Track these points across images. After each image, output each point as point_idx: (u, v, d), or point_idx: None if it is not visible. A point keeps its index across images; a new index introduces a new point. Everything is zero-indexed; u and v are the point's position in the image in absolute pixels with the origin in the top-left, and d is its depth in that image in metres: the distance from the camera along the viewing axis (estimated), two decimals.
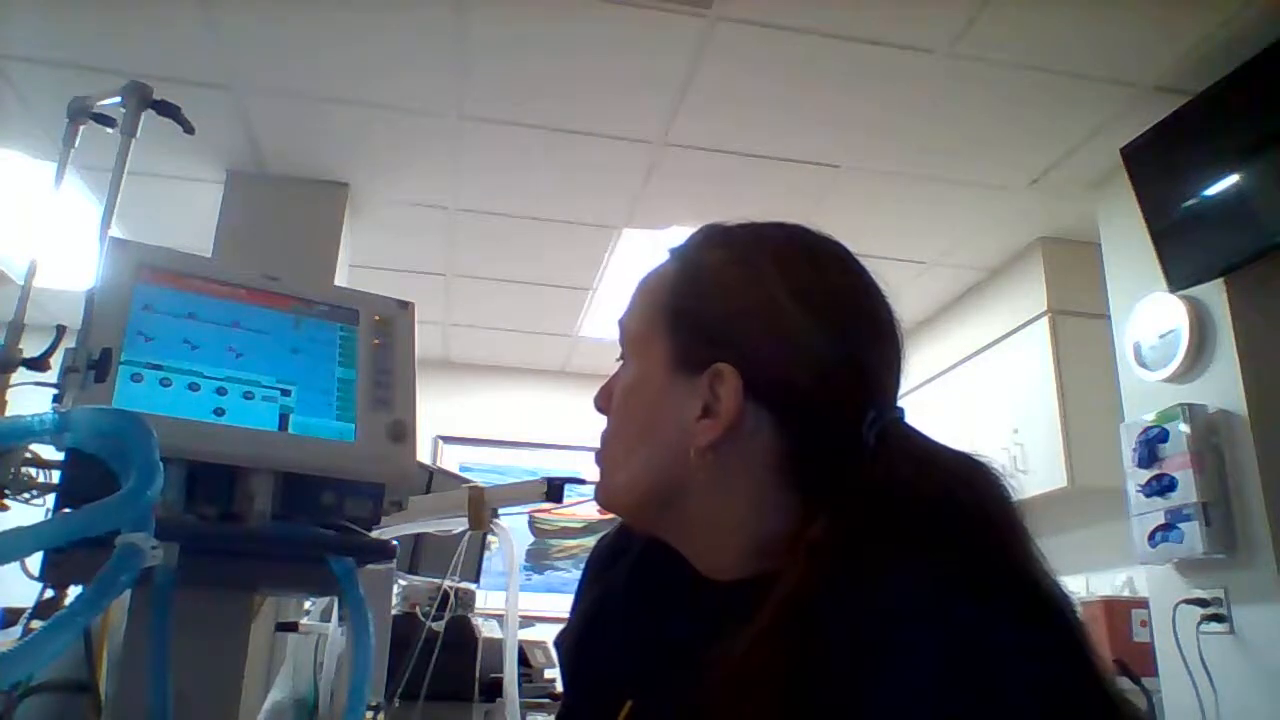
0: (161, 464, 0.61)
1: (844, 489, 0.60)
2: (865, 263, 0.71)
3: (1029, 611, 0.54)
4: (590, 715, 0.71)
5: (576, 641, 0.77)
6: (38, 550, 0.56)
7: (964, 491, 0.59)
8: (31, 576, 0.81)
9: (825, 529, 0.59)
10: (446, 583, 2.15)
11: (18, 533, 0.53)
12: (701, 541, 0.69)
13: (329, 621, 1.39)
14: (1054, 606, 0.55)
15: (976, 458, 0.62)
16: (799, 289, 0.66)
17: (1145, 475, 2.60)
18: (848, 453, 0.62)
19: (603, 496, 0.73)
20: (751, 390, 0.64)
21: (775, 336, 0.65)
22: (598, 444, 0.74)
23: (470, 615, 2.37)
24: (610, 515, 0.78)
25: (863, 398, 0.64)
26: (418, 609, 2.18)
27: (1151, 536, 2.57)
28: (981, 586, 0.54)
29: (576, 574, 0.82)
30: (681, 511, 0.68)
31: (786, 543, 0.61)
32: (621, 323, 0.75)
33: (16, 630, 1.21)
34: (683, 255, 0.73)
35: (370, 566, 0.94)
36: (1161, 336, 2.71)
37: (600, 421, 0.75)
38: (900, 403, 0.68)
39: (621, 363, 0.74)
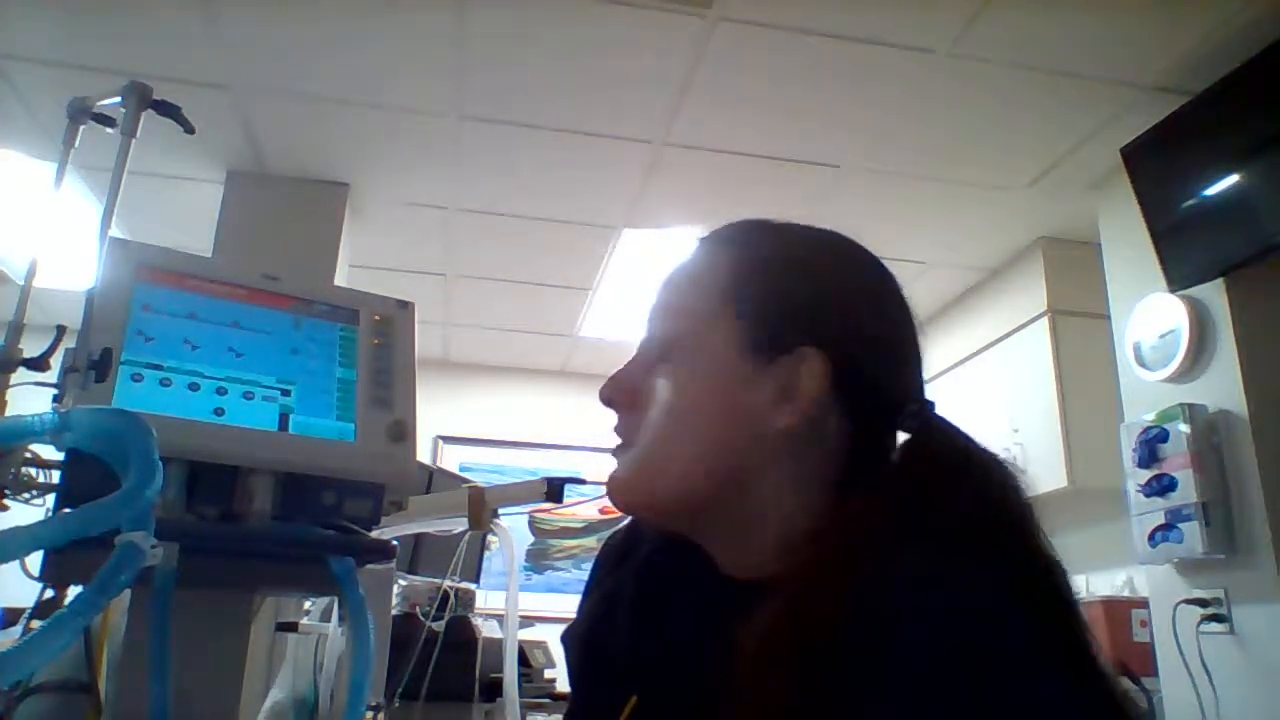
0: (161, 463, 0.61)
1: (885, 478, 0.63)
2: None
3: (1043, 609, 0.56)
4: (595, 712, 0.71)
5: (583, 638, 0.77)
6: (37, 550, 0.56)
7: (995, 489, 0.62)
8: (31, 576, 0.81)
9: (863, 515, 0.61)
10: (446, 583, 2.15)
11: (16, 532, 0.53)
12: (739, 536, 0.67)
13: (329, 621, 1.39)
14: (1065, 600, 0.58)
15: (1000, 455, 0.65)
16: (862, 281, 0.69)
17: (1145, 475, 2.60)
18: (890, 441, 0.66)
19: (640, 494, 0.69)
20: (832, 375, 0.65)
21: (852, 322, 0.67)
22: (618, 439, 0.70)
23: (470, 615, 2.36)
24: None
25: (912, 388, 0.68)
26: (418, 609, 2.18)
27: (1151, 536, 2.57)
28: (1005, 584, 0.56)
29: (576, 574, 0.82)
30: (728, 505, 0.66)
31: (818, 534, 0.62)
32: (661, 310, 0.71)
33: (16, 630, 1.21)
34: (735, 242, 0.71)
35: (370, 566, 0.94)
36: (1161, 336, 2.71)
37: (607, 418, 0.74)
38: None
39: (650, 354, 0.70)
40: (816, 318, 0.66)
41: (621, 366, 0.72)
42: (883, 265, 0.72)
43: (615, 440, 0.71)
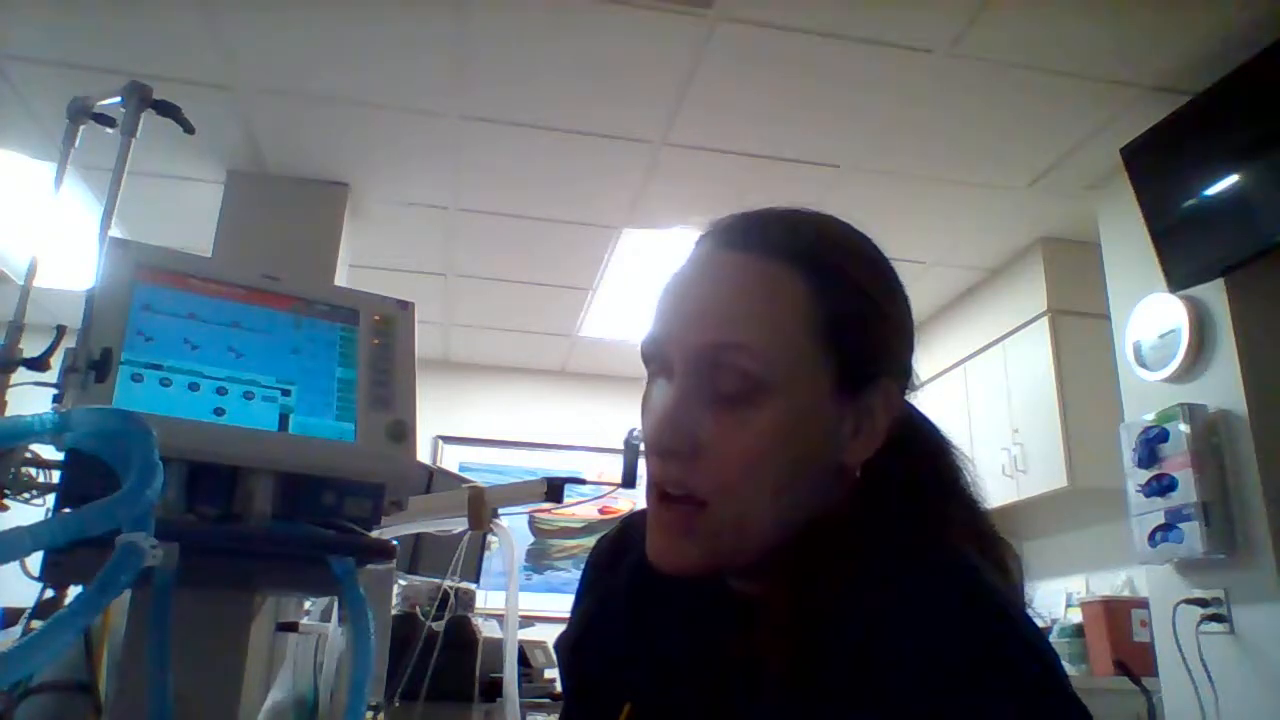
0: (161, 463, 0.61)
1: (882, 480, 0.64)
2: None
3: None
4: (589, 718, 0.71)
5: (576, 645, 0.77)
6: (37, 550, 0.56)
7: (962, 478, 0.67)
8: (31, 576, 0.81)
9: (858, 525, 0.61)
10: (446, 583, 2.15)
11: (17, 533, 0.53)
12: (764, 561, 0.63)
13: (329, 621, 1.39)
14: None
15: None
16: (904, 294, 0.67)
17: (1145, 475, 2.60)
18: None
19: (721, 559, 0.62)
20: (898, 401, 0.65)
21: (907, 344, 0.67)
22: (675, 488, 0.61)
23: (470, 615, 2.37)
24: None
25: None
26: (418, 609, 2.18)
27: (1151, 536, 2.57)
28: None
29: (576, 574, 0.82)
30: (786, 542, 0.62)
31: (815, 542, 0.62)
32: (734, 346, 0.60)
33: (17, 630, 1.21)
34: (807, 259, 0.62)
35: (370, 566, 0.94)
36: (1161, 336, 2.71)
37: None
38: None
39: (718, 394, 0.60)
40: (894, 348, 0.65)
41: (672, 406, 0.61)
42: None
43: (673, 489, 0.61)
